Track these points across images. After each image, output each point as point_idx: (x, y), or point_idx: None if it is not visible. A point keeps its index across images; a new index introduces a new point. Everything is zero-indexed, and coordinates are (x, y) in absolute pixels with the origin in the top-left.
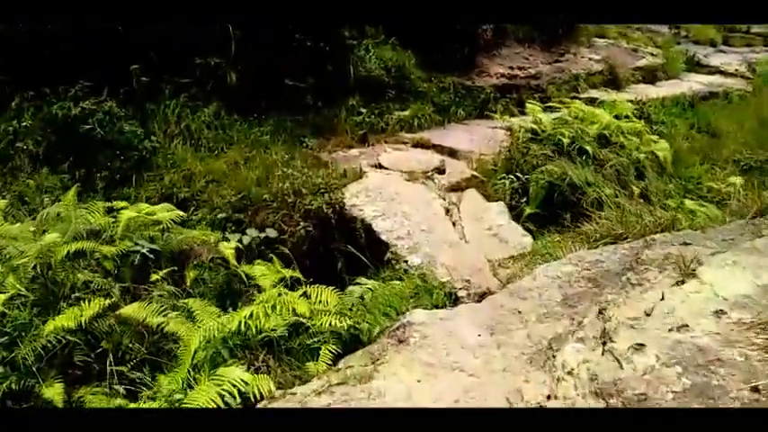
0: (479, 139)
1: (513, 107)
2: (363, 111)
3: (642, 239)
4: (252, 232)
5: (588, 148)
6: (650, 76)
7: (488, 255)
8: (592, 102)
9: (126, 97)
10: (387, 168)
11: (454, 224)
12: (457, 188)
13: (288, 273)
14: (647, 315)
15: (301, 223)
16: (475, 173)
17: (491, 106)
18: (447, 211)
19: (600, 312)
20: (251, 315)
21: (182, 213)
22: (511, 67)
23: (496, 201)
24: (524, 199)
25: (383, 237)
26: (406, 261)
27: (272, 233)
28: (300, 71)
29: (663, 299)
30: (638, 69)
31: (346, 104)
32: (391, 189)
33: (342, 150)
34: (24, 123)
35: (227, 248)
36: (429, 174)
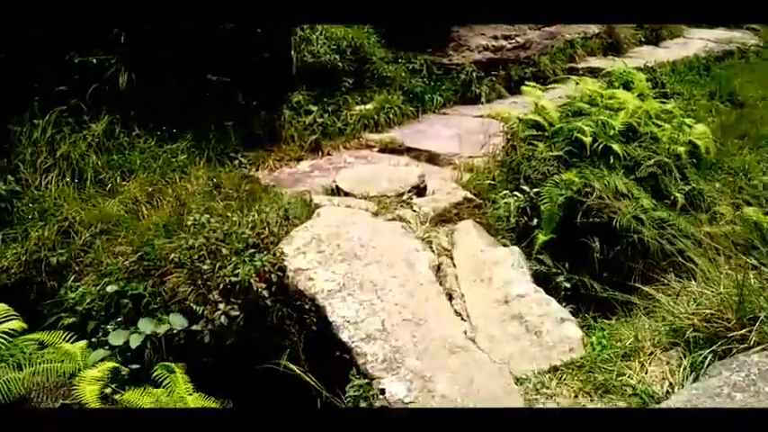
0: (465, 134)
1: (502, 87)
2: (313, 108)
3: None
4: (146, 326)
5: (615, 146)
6: (653, 35)
7: (515, 366)
8: (593, 73)
9: None
10: (347, 194)
11: (451, 298)
12: (446, 218)
13: (196, 400)
14: None
15: (221, 305)
16: (467, 193)
17: (474, 88)
18: (438, 269)
19: None
20: None
21: (21, 325)
22: (495, 37)
23: (501, 236)
24: (535, 221)
25: (343, 336)
26: (383, 391)
27: (177, 322)
28: (226, 62)
29: None
30: (639, 29)
31: (290, 102)
32: (354, 235)
33: (287, 166)
34: None
35: (90, 384)
36: (406, 197)
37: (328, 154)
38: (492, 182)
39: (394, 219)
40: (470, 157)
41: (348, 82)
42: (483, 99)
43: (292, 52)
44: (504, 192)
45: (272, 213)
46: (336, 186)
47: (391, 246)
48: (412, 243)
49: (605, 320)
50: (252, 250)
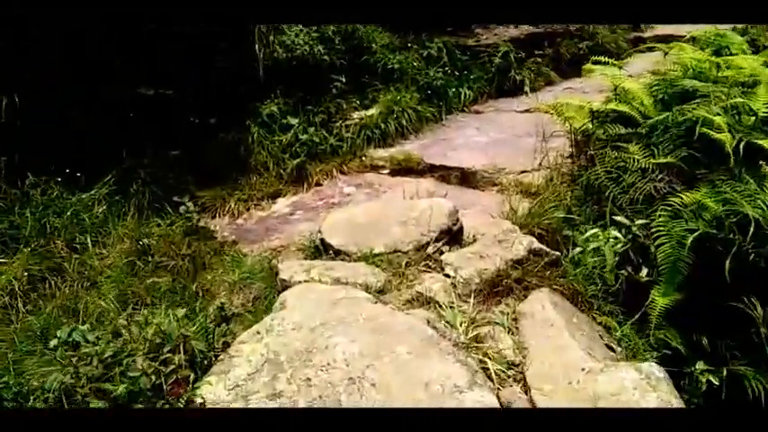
0: (509, 139)
1: (550, 69)
2: (293, 121)
3: None
4: None
5: (764, 143)
6: None
7: None
8: (666, 42)
9: None
10: (338, 252)
11: None
12: (501, 289)
13: None
14: None
15: None
16: (531, 238)
17: (514, 74)
18: None
19: None
20: None
21: None
22: None
23: (598, 309)
24: (644, 273)
25: None
26: None
27: None
28: (166, 69)
29: None
30: None
31: (260, 115)
32: (339, 352)
33: (257, 207)
34: None
35: None
36: (432, 251)
37: (317, 184)
38: (566, 214)
39: (412, 301)
40: (522, 172)
41: (340, 81)
42: (526, 88)
43: (256, 46)
44: (593, 230)
45: (214, 302)
46: (322, 240)
47: (407, 377)
48: (447, 367)
49: None
50: (138, 405)
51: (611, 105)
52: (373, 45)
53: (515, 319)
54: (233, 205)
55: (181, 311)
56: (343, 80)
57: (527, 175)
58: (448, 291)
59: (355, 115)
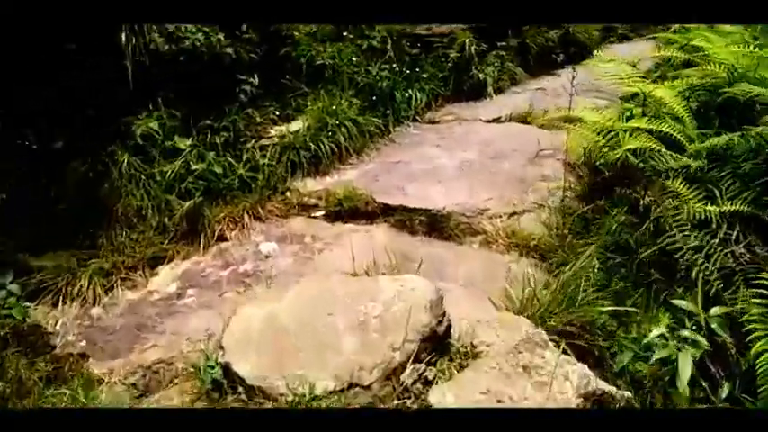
0: (483, 162)
1: (516, 66)
2: (183, 143)
3: None
4: None
5: None
6: None
7: None
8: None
9: None
10: (249, 388)
11: None
12: None
13: None
14: None
15: None
16: (584, 365)
17: (475, 72)
18: None
19: None
20: None
21: None
22: None
23: None
24: (725, 394)
25: None
26: None
27: None
28: None
29: None
30: None
31: (132, 135)
32: None
33: (126, 283)
34: None
35: None
36: (410, 382)
37: (221, 238)
38: (614, 303)
39: None
40: (513, 214)
41: (250, 84)
42: (489, 89)
43: (122, 35)
44: (656, 330)
45: None
46: (225, 367)
47: None
48: None
49: None
50: None
51: (637, 122)
52: (296, 33)
53: None
54: (85, 283)
55: None
56: (255, 82)
57: (518, 218)
58: None
59: (274, 132)
